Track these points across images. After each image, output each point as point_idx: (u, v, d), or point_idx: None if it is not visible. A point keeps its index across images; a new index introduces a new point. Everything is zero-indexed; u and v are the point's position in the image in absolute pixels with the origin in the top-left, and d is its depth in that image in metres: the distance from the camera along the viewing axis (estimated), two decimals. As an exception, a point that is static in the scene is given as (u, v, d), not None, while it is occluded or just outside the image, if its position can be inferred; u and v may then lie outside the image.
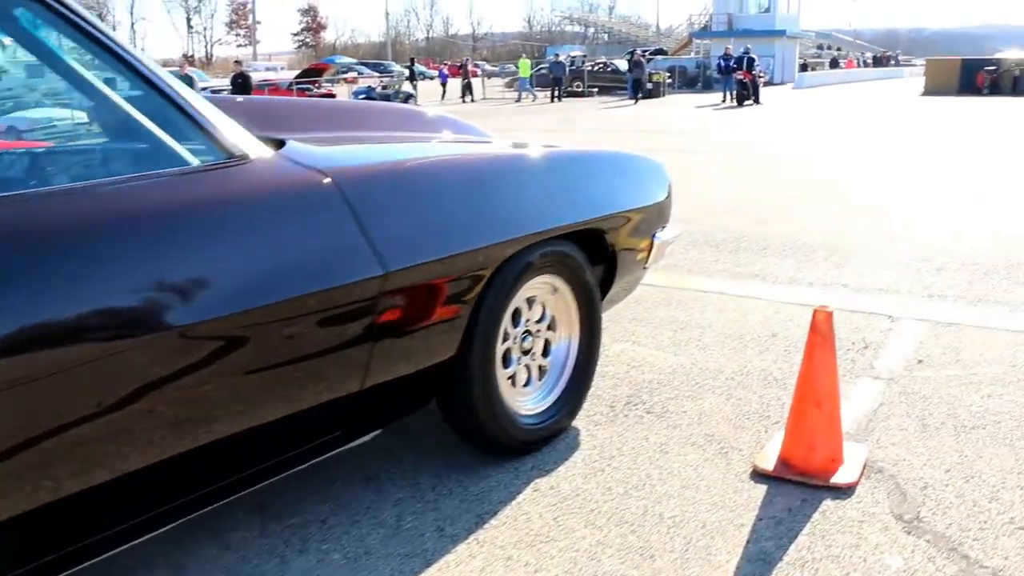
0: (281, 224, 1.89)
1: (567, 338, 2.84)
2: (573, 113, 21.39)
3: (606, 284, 2.97)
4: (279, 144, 2.14)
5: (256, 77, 34.82)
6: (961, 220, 6.39)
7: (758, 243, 5.71)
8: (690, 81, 33.95)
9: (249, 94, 15.32)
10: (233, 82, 16.24)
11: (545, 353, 2.80)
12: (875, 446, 2.67)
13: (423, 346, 2.23)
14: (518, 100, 28.64)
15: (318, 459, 2.13)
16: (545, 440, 2.75)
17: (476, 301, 2.34)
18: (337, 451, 2.17)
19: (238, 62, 19.07)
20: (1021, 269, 4.84)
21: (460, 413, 2.52)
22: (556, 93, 27.40)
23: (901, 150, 11.50)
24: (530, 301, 2.67)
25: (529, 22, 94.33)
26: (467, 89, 29.98)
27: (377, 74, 39.53)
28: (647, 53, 35.72)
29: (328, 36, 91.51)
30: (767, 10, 37.64)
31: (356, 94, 25.84)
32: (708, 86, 31.75)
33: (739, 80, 23.11)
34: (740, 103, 22.84)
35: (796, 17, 39.92)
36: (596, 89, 30.26)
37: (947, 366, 3.35)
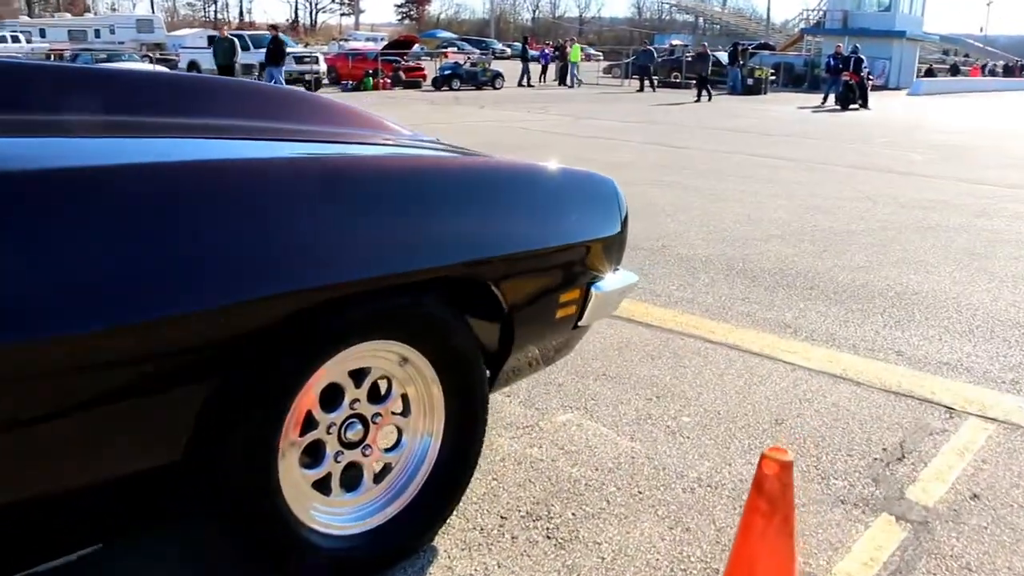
0: None
1: (426, 427, 1.95)
2: (641, 104, 20.11)
3: (505, 351, 2.07)
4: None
5: (352, 46, 34.82)
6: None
7: (806, 279, 4.63)
8: (796, 79, 31.94)
9: (280, 62, 14.91)
10: (267, 46, 16.06)
11: (395, 446, 1.94)
12: (865, 660, 1.69)
13: (91, 452, 1.39)
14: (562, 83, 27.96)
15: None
16: (373, 568, 1.89)
17: (220, 383, 1.49)
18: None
19: (273, 26, 18.77)
20: None
21: (233, 534, 1.70)
22: (647, 82, 26.08)
23: None
24: (358, 375, 1.80)
25: (639, 8, 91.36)
26: (564, 72, 28.87)
27: (478, 51, 39.25)
28: (750, 47, 33.80)
29: (432, 10, 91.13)
30: (887, 9, 34.98)
31: (442, 69, 25.60)
32: (815, 86, 29.67)
33: (845, 82, 21.32)
34: (844, 106, 21.06)
35: (919, 18, 37.05)
36: (694, 80, 28.70)
37: (1016, 511, 2.29)
